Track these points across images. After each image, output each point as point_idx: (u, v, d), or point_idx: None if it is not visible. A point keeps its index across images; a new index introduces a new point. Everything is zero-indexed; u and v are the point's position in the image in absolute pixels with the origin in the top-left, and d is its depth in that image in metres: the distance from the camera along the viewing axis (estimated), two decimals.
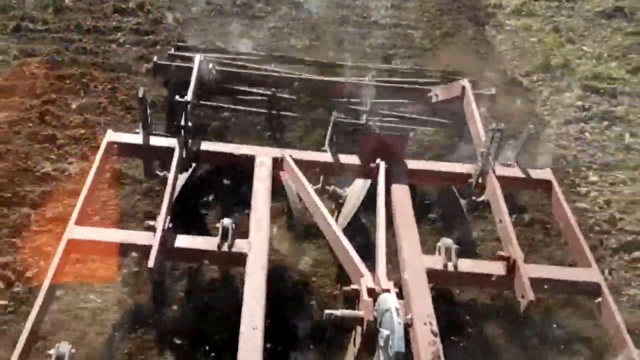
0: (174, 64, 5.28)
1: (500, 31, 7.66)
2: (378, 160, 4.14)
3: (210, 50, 5.80)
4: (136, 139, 4.22)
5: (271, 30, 7.04)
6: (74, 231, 3.50)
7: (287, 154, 4.19)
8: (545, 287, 3.76)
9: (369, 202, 4.16)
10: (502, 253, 3.70)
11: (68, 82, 5.72)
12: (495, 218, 4.04)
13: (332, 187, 4.54)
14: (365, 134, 4.33)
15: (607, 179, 5.61)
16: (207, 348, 3.78)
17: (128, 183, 4.82)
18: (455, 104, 5.08)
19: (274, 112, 5.48)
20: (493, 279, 3.65)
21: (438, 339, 3.12)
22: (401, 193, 4.07)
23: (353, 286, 2.96)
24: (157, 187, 4.67)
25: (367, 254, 3.38)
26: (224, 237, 3.52)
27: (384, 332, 2.57)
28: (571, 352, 4.11)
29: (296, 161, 4.11)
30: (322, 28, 7.20)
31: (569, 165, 5.69)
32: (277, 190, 4.25)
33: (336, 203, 4.58)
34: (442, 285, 4.11)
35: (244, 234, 3.62)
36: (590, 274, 3.76)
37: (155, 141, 4.22)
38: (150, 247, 3.33)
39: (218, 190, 4.88)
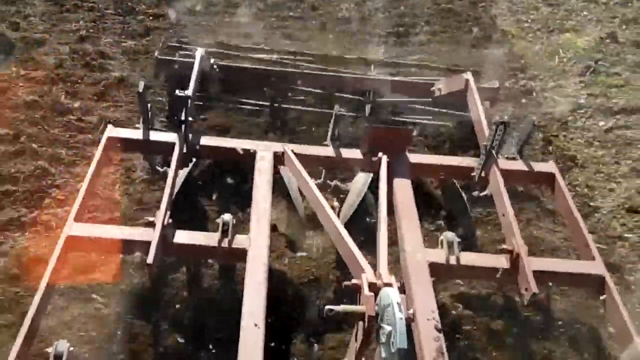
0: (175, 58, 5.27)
1: None
2: (380, 154, 4.10)
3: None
4: (136, 134, 4.20)
5: None
6: (73, 228, 3.47)
7: (289, 148, 4.15)
8: (549, 280, 3.75)
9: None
10: (505, 246, 3.67)
11: None
12: (499, 211, 4.00)
13: (334, 181, 4.51)
14: (367, 128, 4.29)
15: None
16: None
17: None
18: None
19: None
20: (496, 272, 3.62)
21: (441, 335, 3.09)
22: (403, 187, 4.04)
23: (354, 281, 2.92)
24: None
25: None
26: (224, 232, 3.50)
27: (386, 327, 2.53)
28: None
29: (298, 155, 4.08)
30: None
31: None
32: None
33: (338, 197, 4.53)
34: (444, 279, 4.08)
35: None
36: (594, 267, 3.72)
37: (156, 136, 4.20)
38: (149, 243, 3.31)
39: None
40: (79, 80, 5.51)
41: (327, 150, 4.28)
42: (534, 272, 3.42)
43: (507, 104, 5.74)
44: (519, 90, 6.16)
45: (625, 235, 4.73)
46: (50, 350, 2.83)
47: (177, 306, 3.91)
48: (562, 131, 5.70)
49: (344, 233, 3.36)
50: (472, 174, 4.27)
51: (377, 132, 4.22)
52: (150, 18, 6.58)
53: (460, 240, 3.64)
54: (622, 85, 6.29)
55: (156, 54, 5.26)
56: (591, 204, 4.98)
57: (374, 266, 3.08)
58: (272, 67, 5.47)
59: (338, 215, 4.04)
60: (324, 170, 4.47)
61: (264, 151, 4.18)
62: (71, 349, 2.83)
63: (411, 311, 2.65)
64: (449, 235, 3.65)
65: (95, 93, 5.40)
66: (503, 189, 3.98)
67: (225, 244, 3.48)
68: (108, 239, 3.48)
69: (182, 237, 3.54)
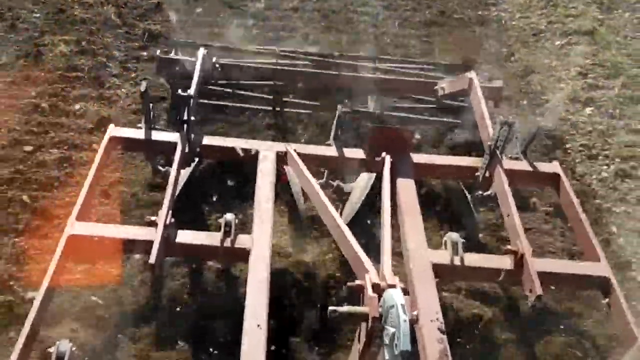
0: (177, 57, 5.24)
1: None
2: (383, 154, 4.08)
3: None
4: (138, 133, 4.18)
5: None
6: (75, 227, 3.46)
7: (292, 148, 4.13)
8: (553, 281, 3.73)
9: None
10: (509, 247, 3.64)
11: None
12: (503, 212, 3.98)
13: (337, 181, 4.49)
14: (370, 128, 4.27)
15: None
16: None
17: None
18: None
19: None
20: (500, 273, 3.59)
21: (445, 337, 3.07)
22: (407, 187, 4.02)
23: (358, 281, 2.90)
24: None
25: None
26: (227, 232, 3.48)
27: (390, 329, 2.51)
28: None
29: (301, 155, 4.06)
30: None
31: None
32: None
33: (340, 198, 4.51)
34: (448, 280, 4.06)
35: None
36: (599, 268, 3.70)
37: (158, 136, 4.18)
38: (152, 242, 3.29)
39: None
40: (124, 5, 6.79)
41: (330, 150, 4.26)
42: (539, 273, 3.40)
43: (483, 28, 7.28)
44: (492, 19, 7.54)
45: (568, 117, 6.00)
46: (52, 350, 2.80)
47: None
48: (524, 48, 7.03)
49: (348, 233, 3.33)
50: (477, 174, 4.25)
51: (379, 132, 4.21)
52: None
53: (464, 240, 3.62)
54: (577, 15, 7.55)
55: (157, 52, 5.26)
56: (542, 97, 6.23)
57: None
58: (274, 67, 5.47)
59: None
60: (326, 170, 4.45)
61: (266, 151, 4.16)
62: (73, 348, 2.80)
63: (415, 313, 2.63)
64: (453, 236, 3.63)
65: (138, 14, 6.69)
66: (507, 189, 3.95)
67: (227, 243, 3.46)
68: (110, 238, 3.47)
69: (185, 236, 3.52)
